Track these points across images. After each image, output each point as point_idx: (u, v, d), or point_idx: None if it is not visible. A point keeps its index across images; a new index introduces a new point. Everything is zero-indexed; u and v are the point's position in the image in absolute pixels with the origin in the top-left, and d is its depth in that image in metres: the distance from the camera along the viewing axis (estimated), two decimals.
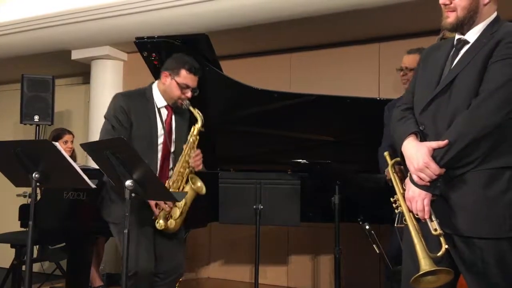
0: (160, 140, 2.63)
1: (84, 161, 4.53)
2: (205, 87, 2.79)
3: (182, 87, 2.62)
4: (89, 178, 2.38)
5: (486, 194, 1.64)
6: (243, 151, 3.70)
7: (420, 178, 1.68)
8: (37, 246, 4.08)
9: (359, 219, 3.00)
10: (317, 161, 3.13)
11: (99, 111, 4.72)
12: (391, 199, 1.87)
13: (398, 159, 1.86)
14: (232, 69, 3.85)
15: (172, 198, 2.38)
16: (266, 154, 3.74)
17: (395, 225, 2.65)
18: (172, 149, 2.68)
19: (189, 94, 2.65)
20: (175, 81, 2.62)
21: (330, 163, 3.04)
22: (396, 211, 1.83)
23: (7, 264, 3.90)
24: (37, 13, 4.54)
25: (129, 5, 4.15)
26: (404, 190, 1.79)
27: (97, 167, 2.47)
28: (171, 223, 2.60)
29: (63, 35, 4.62)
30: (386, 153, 2.01)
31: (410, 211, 1.74)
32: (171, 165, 2.69)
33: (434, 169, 1.65)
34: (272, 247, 4.40)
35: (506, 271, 1.63)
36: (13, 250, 3.71)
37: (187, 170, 2.65)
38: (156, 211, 2.55)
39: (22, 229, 3.55)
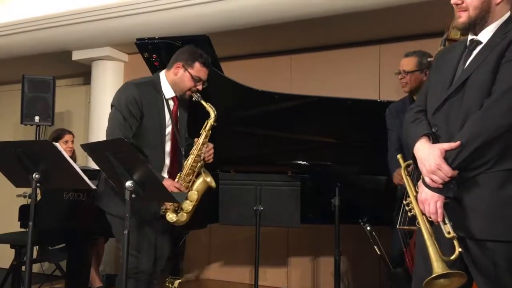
0: (168, 130, 2.62)
1: (84, 162, 4.53)
2: (205, 88, 2.79)
3: (196, 80, 2.62)
4: (89, 179, 2.38)
5: (500, 196, 1.62)
6: (244, 152, 3.70)
7: (433, 180, 1.66)
8: (37, 247, 4.07)
9: (360, 221, 3.00)
10: (318, 163, 3.13)
11: (99, 112, 4.74)
12: (404, 202, 1.85)
13: (411, 162, 1.84)
14: (233, 71, 3.85)
15: (173, 199, 2.37)
16: (266, 156, 3.73)
17: (397, 226, 2.67)
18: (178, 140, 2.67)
19: (200, 86, 2.65)
20: (189, 73, 2.61)
21: (330, 165, 3.04)
22: (409, 214, 1.81)
23: (6, 265, 3.89)
24: (38, 13, 4.55)
25: (130, 6, 4.16)
26: (417, 192, 1.77)
27: (97, 167, 2.47)
28: (182, 215, 2.58)
29: (64, 36, 4.63)
30: (399, 156, 2.00)
31: (423, 214, 1.71)
32: (179, 157, 2.67)
33: (447, 171, 1.63)
34: (272, 249, 4.39)
35: None
36: (13, 250, 3.70)
37: (199, 164, 2.65)
38: (166, 204, 2.53)
39: (22, 229, 3.55)
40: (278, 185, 3.13)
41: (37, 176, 2.31)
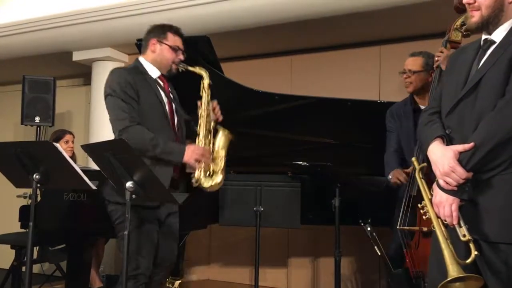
0: (167, 108, 2.59)
1: (84, 162, 4.53)
2: None
3: (175, 49, 2.60)
4: (90, 179, 2.38)
5: None
6: (244, 153, 3.69)
7: (447, 183, 1.64)
8: (37, 247, 4.07)
9: (361, 221, 3.00)
10: (318, 163, 3.13)
11: (100, 112, 4.73)
12: (419, 205, 1.84)
13: (425, 164, 1.83)
14: (233, 71, 3.86)
15: (173, 199, 2.37)
16: (266, 156, 3.74)
17: (398, 227, 2.67)
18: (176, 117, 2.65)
19: (181, 56, 2.62)
20: (166, 44, 2.60)
21: (330, 166, 3.04)
22: (424, 217, 1.80)
23: (7, 265, 3.90)
24: (39, 14, 4.55)
25: (130, 7, 4.16)
26: (432, 195, 1.74)
27: (97, 168, 2.46)
28: (217, 176, 2.54)
29: (65, 37, 4.63)
30: (413, 158, 1.99)
31: (438, 217, 1.69)
32: (182, 133, 2.66)
33: (461, 173, 1.61)
34: (272, 249, 4.39)
35: None
36: (13, 251, 3.71)
37: (211, 123, 2.61)
38: (197, 174, 2.48)
39: (22, 230, 3.55)
40: (278, 186, 3.14)
41: (37, 176, 2.31)
